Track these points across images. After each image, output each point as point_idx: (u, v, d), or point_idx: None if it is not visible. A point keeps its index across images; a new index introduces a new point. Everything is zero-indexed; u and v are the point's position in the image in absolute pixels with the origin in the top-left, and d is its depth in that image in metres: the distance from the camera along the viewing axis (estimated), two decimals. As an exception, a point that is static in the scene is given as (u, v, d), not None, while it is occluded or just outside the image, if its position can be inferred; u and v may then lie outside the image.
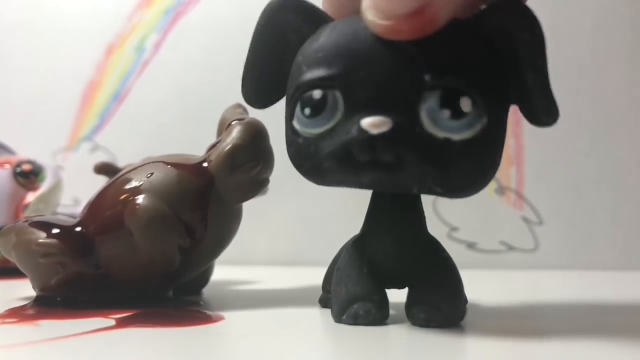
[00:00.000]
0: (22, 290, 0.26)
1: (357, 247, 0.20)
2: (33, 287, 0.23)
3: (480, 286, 0.32)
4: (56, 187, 0.39)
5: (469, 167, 0.17)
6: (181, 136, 0.49)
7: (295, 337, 0.18)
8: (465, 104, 0.16)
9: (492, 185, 0.47)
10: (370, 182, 0.17)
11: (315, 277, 0.26)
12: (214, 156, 0.24)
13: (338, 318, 0.19)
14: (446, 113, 0.16)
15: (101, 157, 0.50)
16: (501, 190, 0.47)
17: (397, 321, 0.19)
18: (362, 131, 0.16)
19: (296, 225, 0.48)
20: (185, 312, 0.23)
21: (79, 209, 0.42)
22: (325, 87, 0.17)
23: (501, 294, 0.29)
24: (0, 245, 0.24)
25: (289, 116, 0.19)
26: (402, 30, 0.16)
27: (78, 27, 0.53)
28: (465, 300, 0.20)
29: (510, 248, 0.46)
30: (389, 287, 0.20)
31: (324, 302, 0.23)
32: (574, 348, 0.16)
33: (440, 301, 0.19)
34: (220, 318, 0.20)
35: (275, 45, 0.19)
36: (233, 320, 0.20)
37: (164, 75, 0.51)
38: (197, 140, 0.50)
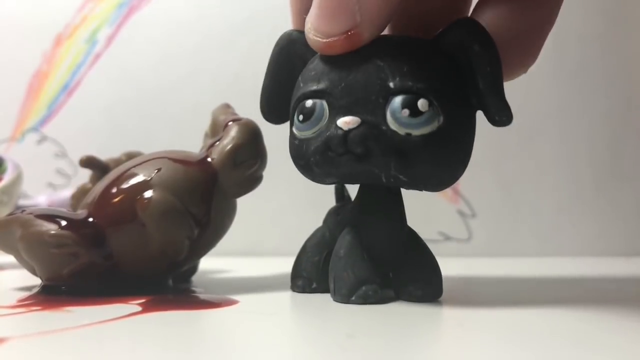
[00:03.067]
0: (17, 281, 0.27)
1: (354, 237, 0.22)
2: (40, 277, 0.24)
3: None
4: (18, 179, 0.38)
5: (429, 159, 0.20)
6: (133, 129, 0.49)
7: (312, 315, 0.20)
8: (422, 105, 0.20)
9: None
10: (348, 174, 0.21)
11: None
12: (216, 154, 0.25)
13: (347, 299, 0.21)
14: (406, 112, 0.20)
15: (49, 149, 0.49)
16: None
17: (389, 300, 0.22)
18: (338, 128, 0.20)
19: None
20: (194, 297, 0.24)
21: (35, 201, 0.41)
22: (314, 97, 0.21)
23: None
24: None
25: (291, 124, 0.23)
26: (337, 46, 0.20)
27: (23, 16, 0.51)
28: None
29: (447, 238, 0.50)
30: (381, 271, 0.23)
31: (302, 288, 0.25)
32: (500, 316, 0.19)
33: (430, 278, 0.22)
34: (234, 302, 0.22)
35: (286, 71, 0.23)
36: (248, 302, 0.22)
37: (117, 68, 0.51)
38: (148, 134, 0.51)
